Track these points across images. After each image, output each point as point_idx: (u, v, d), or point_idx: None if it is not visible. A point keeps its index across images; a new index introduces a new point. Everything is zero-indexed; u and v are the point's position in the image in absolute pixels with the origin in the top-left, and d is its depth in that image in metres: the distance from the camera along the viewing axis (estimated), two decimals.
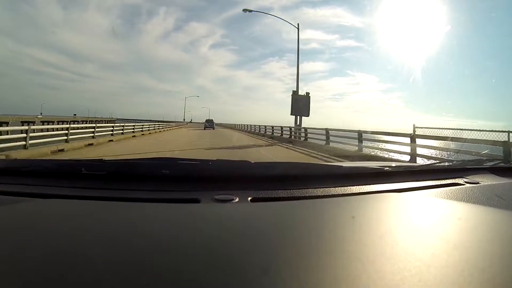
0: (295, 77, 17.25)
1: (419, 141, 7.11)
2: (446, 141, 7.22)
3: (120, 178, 0.90)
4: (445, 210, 0.69)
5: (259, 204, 0.76)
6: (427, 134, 8.03)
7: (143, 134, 17.16)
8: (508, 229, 0.56)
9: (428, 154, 6.74)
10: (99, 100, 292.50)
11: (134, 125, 17.28)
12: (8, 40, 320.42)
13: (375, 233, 0.51)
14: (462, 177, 1.11)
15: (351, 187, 0.92)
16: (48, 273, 0.37)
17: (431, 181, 1.04)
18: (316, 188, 0.88)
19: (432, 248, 0.43)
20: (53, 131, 9.62)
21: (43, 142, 7.72)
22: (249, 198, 0.78)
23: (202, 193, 0.80)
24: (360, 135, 9.02)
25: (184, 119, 72.27)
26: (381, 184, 0.97)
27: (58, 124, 26.95)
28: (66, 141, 8.76)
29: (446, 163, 1.42)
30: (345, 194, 0.88)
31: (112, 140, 11.78)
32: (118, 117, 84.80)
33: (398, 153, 7.60)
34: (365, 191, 0.91)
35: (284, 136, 16.77)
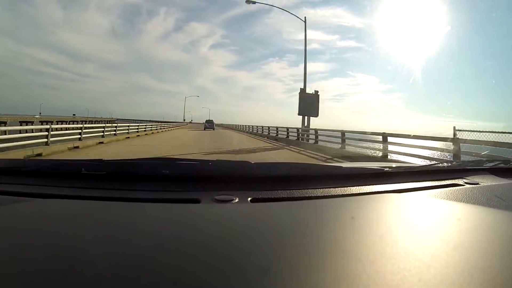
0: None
1: (463, 146, 5.87)
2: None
3: (120, 178, 0.90)
4: (445, 210, 0.68)
5: (259, 205, 0.76)
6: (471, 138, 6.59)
7: (138, 135, 16.46)
8: (508, 229, 0.56)
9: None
10: (99, 100, 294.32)
11: (128, 126, 16.44)
12: (8, 40, 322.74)
13: (375, 234, 0.51)
14: (462, 178, 1.11)
15: (351, 187, 0.92)
16: (48, 273, 0.37)
17: (431, 182, 1.05)
18: (316, 188, 0.88)
19: (432, 248, 0.43)
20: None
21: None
22: (249, 199, 0.78)
23: (202, 193, 0.80)
24: (385, 139, 7.71)
25: (184, 119, 71.88)
26: (381, 185, 0.97)
27: (57, 124, 26.25)
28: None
29: (446, 164, 1.39)
30: (345, 194, 0.88)
31: (102, 142, 11.15)
32: (118, 117, 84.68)
33: (447, 162, 6.23)
34: (365, 191, 0.91)
35: (290, 138, 15.44)
